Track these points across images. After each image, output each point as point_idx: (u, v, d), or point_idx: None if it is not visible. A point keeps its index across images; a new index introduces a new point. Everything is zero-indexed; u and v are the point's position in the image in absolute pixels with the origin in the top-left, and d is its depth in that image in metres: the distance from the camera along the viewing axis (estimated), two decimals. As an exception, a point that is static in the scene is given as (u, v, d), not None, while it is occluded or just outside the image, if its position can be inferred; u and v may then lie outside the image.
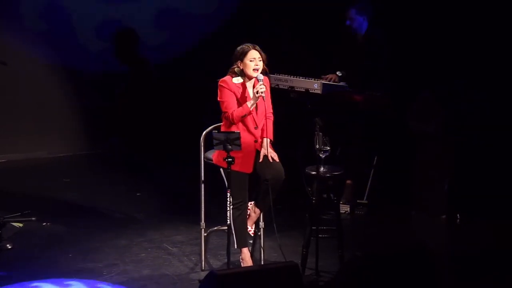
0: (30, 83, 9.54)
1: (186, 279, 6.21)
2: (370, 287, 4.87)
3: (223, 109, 6.18)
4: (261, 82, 6.10)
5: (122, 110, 9.93)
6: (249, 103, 6.11)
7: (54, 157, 9.69)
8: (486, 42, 7.94)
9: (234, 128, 6.12)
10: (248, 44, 6.20)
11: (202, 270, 6.32)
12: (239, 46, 6.22)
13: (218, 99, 6.20)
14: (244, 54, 6.16)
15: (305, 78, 7.40)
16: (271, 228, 6.30)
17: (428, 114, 7.66)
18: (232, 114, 6.12)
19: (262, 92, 6.06)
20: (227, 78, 6.20)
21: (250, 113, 6.13)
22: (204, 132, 6.39)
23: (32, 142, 9.62)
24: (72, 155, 9.82)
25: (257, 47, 6.19)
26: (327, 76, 7.76)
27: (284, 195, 6.39)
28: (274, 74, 7.33)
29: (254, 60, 6.15)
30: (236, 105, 6.15)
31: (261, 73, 6.18)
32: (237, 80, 6.18)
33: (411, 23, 8.33)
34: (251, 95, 6.18)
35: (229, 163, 5.81)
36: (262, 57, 6.17)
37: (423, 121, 7.67)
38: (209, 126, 6.38)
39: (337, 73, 7.80)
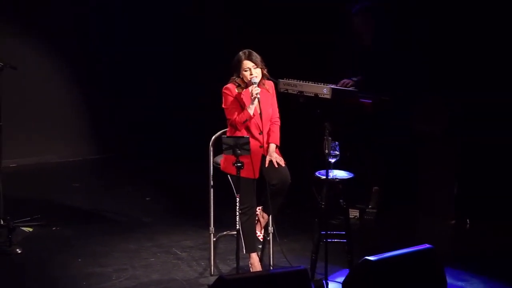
0: (39, 88, 9.56)
1: (195, 284, 6.21)
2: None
3: (227, 116, 6.20)
4: (255, 85, 6.11)
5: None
6: (248, 108, 6.13)
7: (63, 162, 9.71)
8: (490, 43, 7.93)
9: (239, 134, 6.13)
10: (242, 53, 6.19)
11: (211, 275, 6.32)
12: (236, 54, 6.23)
13: (223, 106, 6.23)
14: (239, 64, 6.17)
15: (315, 83, 7.38)
16: (280, 233, 6.29)
17: (432, 117, 7.65)
18: (235, 120, 6.14)
19: (257, 94, 6.07)
20: (230, 85, 6.22)
21: (251, 117, 6.14)
22: (213, 137, 6.39)
23: (41, 146, 9.64)
24: (81, 159, 9.85)
25: (252, 54, 6.17)
26: (343, 81, 7.73)
27: (292, 199, 6.38)
28: (283, 79, 7.32)
29: (248, 70, 6.16)
30: (239, 112, 6.16)
31: (263, 77, 6.20)
32: (239, 89, 6.20)
33: (417, 25, 8.32)
34: None
35: (238, 168, 5.81)
36: (257, 64, 6.16)
37: (428, 124, 7.66)
38: (219, 131, 6.39)
39: (353, 78, 7.77)
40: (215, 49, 9.78)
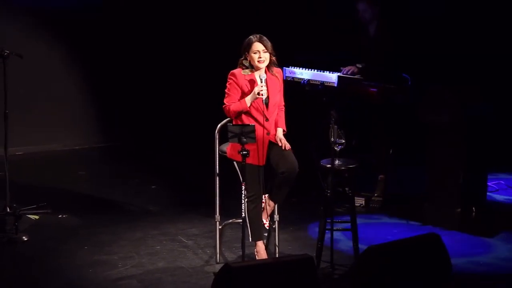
0: (46, 75, 9.57)
1: (201, 272, 6.22)
2: (385, 279, 4.87)
3: (224, 100, 6.21)
4: (262, 84, 6.11)
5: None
6: (247, 100, 6.12)
7: (69, 150, 9.73)
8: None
9: (246, 121, 6.13)
10: (254, 36, 6.20)
11: (217, 263, 6.33)
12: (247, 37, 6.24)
13: (225, 90, 6.24)
14: (249, 46, 6.18)
15: (320, 71, 7.39)
16: (286, 221, 6.30)
17: (439, 106, 7.64)
18: (229, 107, 6.14)
19: (261, 94, 6.08)
20: (236, 70, 6.23)
21: (247, 110, 6.13)
22: (219, 125, 6.39)
23: (47, 134, 9.65)
24: (87, 147, 9.86)
25: (263, 38, 6.18)
26: (347, 68, 7.72)
27: (298, 187, 6.39)
28: (289, 67, 7.33)
29: (258, 52, 6.16)
30: (237, 100, 6.17)
31: (270, 64, 6.19)
32: (246, 72, 6.20)
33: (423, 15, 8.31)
34: None
35: (244, 156, 5.80)
36: (267, 48, 6.17)
37: (435, 113, 7.65)
38: (224, 119, 6.39)
39: (357, 65, 7.76)
40: (220, 36, 9.76)
